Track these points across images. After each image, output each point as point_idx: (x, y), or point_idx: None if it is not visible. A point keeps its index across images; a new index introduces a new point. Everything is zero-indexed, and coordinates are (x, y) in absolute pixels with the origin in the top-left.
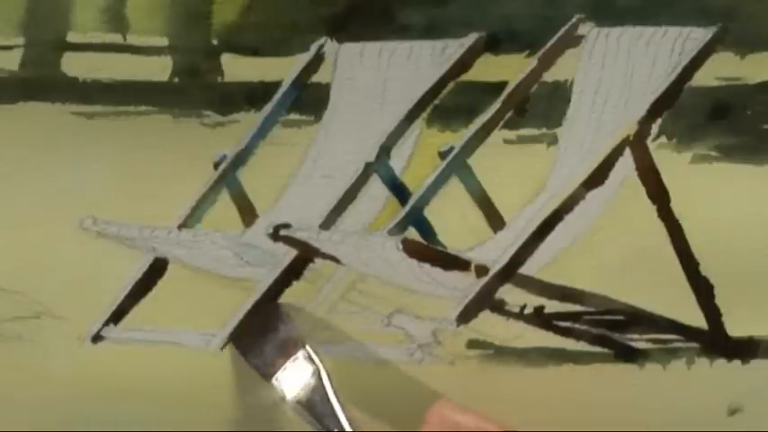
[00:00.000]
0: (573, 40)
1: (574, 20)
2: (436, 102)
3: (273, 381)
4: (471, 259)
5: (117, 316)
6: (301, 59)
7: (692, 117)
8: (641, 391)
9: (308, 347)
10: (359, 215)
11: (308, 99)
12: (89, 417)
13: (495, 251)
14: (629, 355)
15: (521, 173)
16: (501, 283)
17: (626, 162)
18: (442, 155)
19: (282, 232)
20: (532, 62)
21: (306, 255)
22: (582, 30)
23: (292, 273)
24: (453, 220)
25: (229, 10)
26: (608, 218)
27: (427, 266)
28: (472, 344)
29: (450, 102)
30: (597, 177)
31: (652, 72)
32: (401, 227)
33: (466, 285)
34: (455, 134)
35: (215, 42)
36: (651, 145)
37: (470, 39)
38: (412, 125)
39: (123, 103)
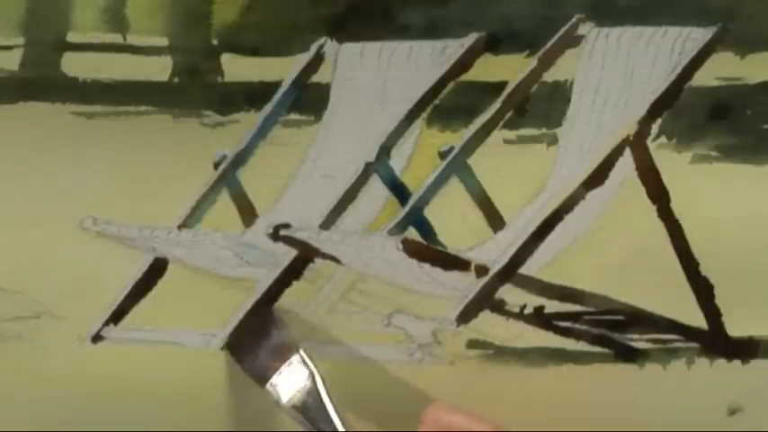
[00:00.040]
0: (573, 40)
1: (574, 20)
2: (436, 102)
3: (268, 386)
4: (471, 259)
5: (117, 316)
6: (301, 59)
7: (692, 117)
8: (641, 391)
9: (301, 352)
10: (359, 215)
11: (308, 99)
12: (89, 417)
13: (495, 251)
14: (629, 355)
15: (521, 173)
16: (501, 283)
17: (626, 162)
18: (442, 155)
19: (282, 232)
20: (532, 62)
21: (306, 255)
22: (582, 30)
23: (292, 273)
24: (453, 220)
25: (229, 10)
26: (608, 218)
27: (427, 266)
28: (472, 344)
29: (450, 102)
30: (597, 177)
31: (652, 72)
32: (401, 227)
33: (466, 285)
34: (455, 134)
35: (215, 42)
36: (651, 145)
37: (470, 39)
38: (412, 125)
39: (123, 103)
